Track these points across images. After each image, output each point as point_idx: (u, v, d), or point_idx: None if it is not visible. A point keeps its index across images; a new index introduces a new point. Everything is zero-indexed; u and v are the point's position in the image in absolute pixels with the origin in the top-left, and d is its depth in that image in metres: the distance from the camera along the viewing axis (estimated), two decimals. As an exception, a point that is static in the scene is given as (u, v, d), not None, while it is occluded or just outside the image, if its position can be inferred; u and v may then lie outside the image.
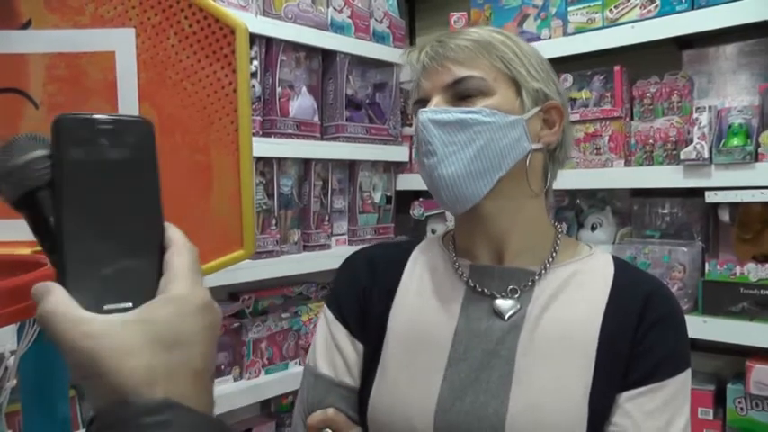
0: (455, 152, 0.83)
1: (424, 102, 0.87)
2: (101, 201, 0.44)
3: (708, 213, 1.79)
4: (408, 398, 0.84)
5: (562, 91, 0.91)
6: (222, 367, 1.83)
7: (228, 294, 1.94)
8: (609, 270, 0.88)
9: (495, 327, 0.84)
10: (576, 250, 0.91)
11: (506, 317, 0.84)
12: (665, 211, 1.85)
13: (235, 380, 1.85)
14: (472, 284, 0.88)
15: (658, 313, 0.83)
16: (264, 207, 1.90)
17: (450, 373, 0.83)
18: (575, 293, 0.85)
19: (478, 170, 0.83)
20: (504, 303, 0.85)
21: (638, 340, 0.81)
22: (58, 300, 0.42)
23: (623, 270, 0.88)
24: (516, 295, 0.86)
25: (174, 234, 0.46)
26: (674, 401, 0.80)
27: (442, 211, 2.24)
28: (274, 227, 1.92)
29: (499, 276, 0.87)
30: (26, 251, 0.80)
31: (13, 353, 0.77)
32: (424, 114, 0.84)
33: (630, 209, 1.93)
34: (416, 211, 2.30)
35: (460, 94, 0.84)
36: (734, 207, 1.68)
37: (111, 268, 0.43)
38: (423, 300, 0.90)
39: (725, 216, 1.69)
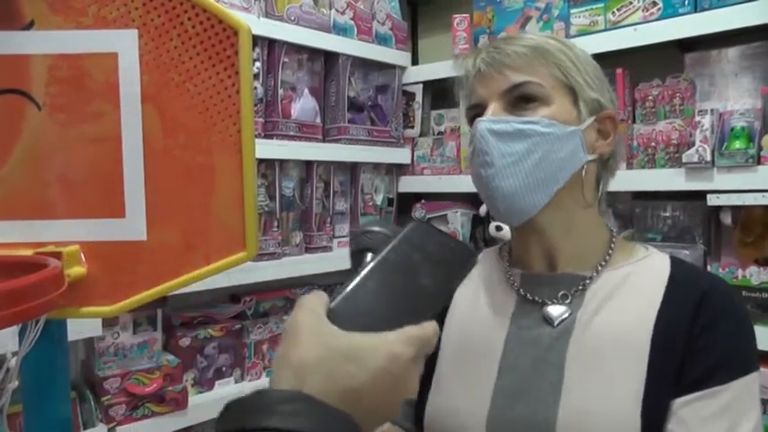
0: (513, 163, 0.81)
1: (479, 107, 0.86)
2: (397, 284, 0.54)
3: (710, 216, 1.78)
4: (462, 407, 0.84)
5: (615, 99, 0.90)
6: (224, 369, 1.83)
7: (230, 296, 1.94)
8: (665, 269, 0.84)
9: (545, 334, 0.83)
10: (632, 253, 0.89)
11: (556, 323, 0.83)
12: (667, 214, 1.84)
13: (236, 381, 1.86)
14: (523, 293, 0.87)
15: (716, 311, 0.78)
16: (266, 209, 1.90)
17: (501, 382, 0.83)
18: (628, 296, 0.83)
19: (536, 183, 0.82)
20: (554, 310, 0.84)
21: (693, 340, 0.77)
22: (319, 297, 0.52)
23: (680, 268, 0.85)
24: (567, 301, 0.85)
25: (432, 328, 0.52)
26: (734, 407, 0.75)
27: (443, 213, 2.24)
28: (276, 229, 1.91)
29: (550, 283, 0.87)
30: (27, 252, 0.80)
31: (14, 354, 0.76)
32: (483, 124, 0.82)
33: (632, 211, 1.93)
34: (418, 213, 2.30)
35: (518, 99, 0.83)
36: (736, 210, 1.68)
37: (366, 319, 0.52)
38: (475, 311, 0.91)
39: (727, 219, 1.69)
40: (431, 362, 0.90)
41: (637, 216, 1.90)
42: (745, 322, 0.81)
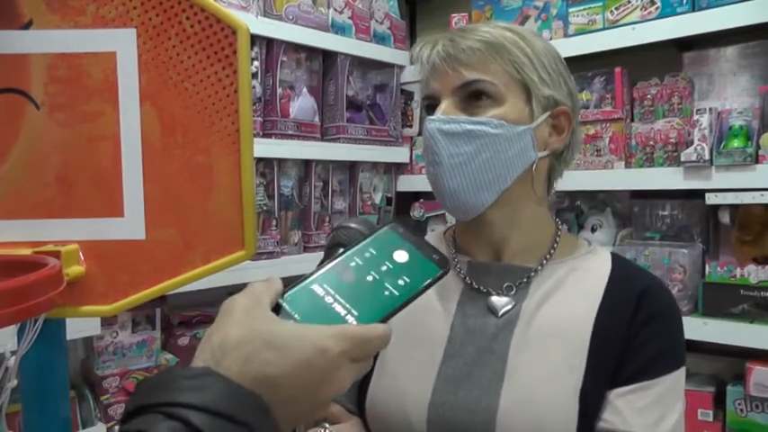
0: (461, 164, 0.83)
1: (432, 99, 0.87)
2: (355, 283, 0.54)
3: (708, 215, 1.79)
4: (405, 391, 0.85)
5: (574, 91, 0.90)
6: (222, 368, 1.84)
7: (228, 295, 1.93)
8: (606, 266, 0.88)
9: (490, 323, 0.85)
10: (575, 247, 0.92)
11: (500, 314, 0.85)
12: (666, 213, 1.85)
13: (235, 381, 1.85)
14: (469, 282, 0.89)
15: (653, 309, 0.83)
16: (265, 208, 1.90)
17: (444, 369, 0.84)
18: (571, 290, 0.86)
19: (484, 182, 0.83)
20: (498, 300, 0.86)
21: (631, 336, 0.81)
22: (269, 284, 0.53)
23: (620, 266, 0.88)
24: (512, 292, 0.87)
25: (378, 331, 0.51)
26: (665, 399, 0.80)
27: (442, 212, 2.24)
28: (275, 228, 1.91)
29: (496, 273, 0.88)
30: (27, 251, 0.80)
31: (13, 353, 0.76)
32: (433, 124, 0.83)
33: (631, 210, 1.93)
34: (417, 212, 2.30)
35: (471, 96, 0.83)
36: (734, 209, 1.68)
37: (313, 312, 0.52)
38: (422, 296, 0.91)
39: (725, 218, 1.69)
40: None
41: (635, 215, 1.90)
42: (679, 320, 0.86)
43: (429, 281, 0.55)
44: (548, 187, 0.92)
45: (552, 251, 0.89)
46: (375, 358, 0.90)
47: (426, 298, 0.89)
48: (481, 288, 0.88)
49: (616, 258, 0.90)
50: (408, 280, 0.54)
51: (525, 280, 0.87)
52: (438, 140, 0.83)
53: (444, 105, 0.84)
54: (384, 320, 0.52)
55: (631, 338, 0.81)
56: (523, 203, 0.87)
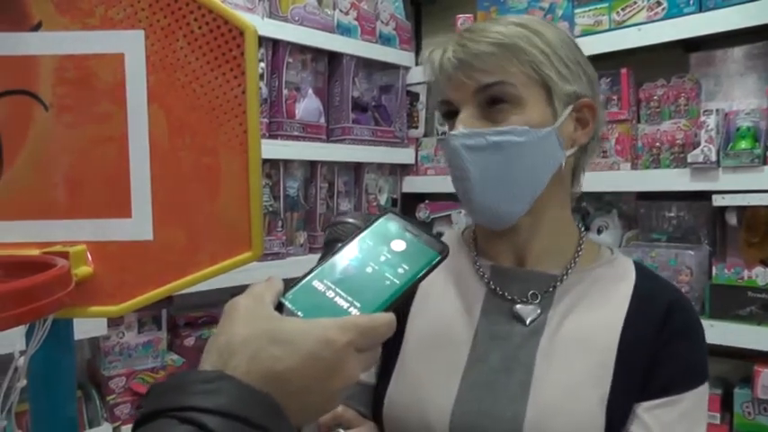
0: (492, 178, 0.80)
1: (449, 104, 0.84)
2: (355, 276, 0.54)
3: (715, 217, 1.78)
4: (427, 395, 0.83)
5: (594, 78, 0.87)
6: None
7: (234, 296, 1.94)
8: (630, 276, 0.86)
9: (516, 331, 0.83)
10: (599, 254, 0.90)
11: (528, 322, 0.83)
12: (672, 215, 1.84)
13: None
14: (493, 287, 0.87)
15: (679, 324, 0.82)
16: (271, 209, 1.90)
17: (469, 374, 0.82)
18: (596, 299, 0.84)
19: (518, 193, 0.81)
20: (524, 309, 0.84)
21: (660, 347, 0.80)
22: (269, 284, 0.54)
23: (645, 278, 0.87)
24: (537, 300, 0.85)
25: (381, 319, 0.51)
26: (691, 414, 0.79)
27: (447, 213, 2.25)
28: (280, 229, 1.92)
29: (521, 280, 0.86)
30: (35, 252, 0.80)
31: (22, 353, 0.77)
32: (456, 140, 0.81)
33: (637, 212, 1.93)
34: (422, 213, 2.30)
35: (489, 101, 0.80)
36: (741, 210, 1.68)
37: (317, 307, 0.52)
38: (444, 299, 0.89)
39: (732, 219, 1.69)
40: (394, 348, 0.89)
41: (641, 216, 1.90)
42: (703, 335, 0.85)
43: (428, 267, 0.55)
44: (572, 183, 0.89)
45: (577, 258, 0.87)
46: (394, 362, 0.89)
47: (448, 302, 0.89)
48: (506, 294, 0.86)
49: (639, 268, 0.88)
50: (407, 268, 0.54)
51: (551, 289, 0.85)
52: (464, 157, 0.80)
53: (463, 116, 0.81)
54: (387, 309, 0.52)
55: (660, 349, 0.80)
56: (550, 205, 0.85)
